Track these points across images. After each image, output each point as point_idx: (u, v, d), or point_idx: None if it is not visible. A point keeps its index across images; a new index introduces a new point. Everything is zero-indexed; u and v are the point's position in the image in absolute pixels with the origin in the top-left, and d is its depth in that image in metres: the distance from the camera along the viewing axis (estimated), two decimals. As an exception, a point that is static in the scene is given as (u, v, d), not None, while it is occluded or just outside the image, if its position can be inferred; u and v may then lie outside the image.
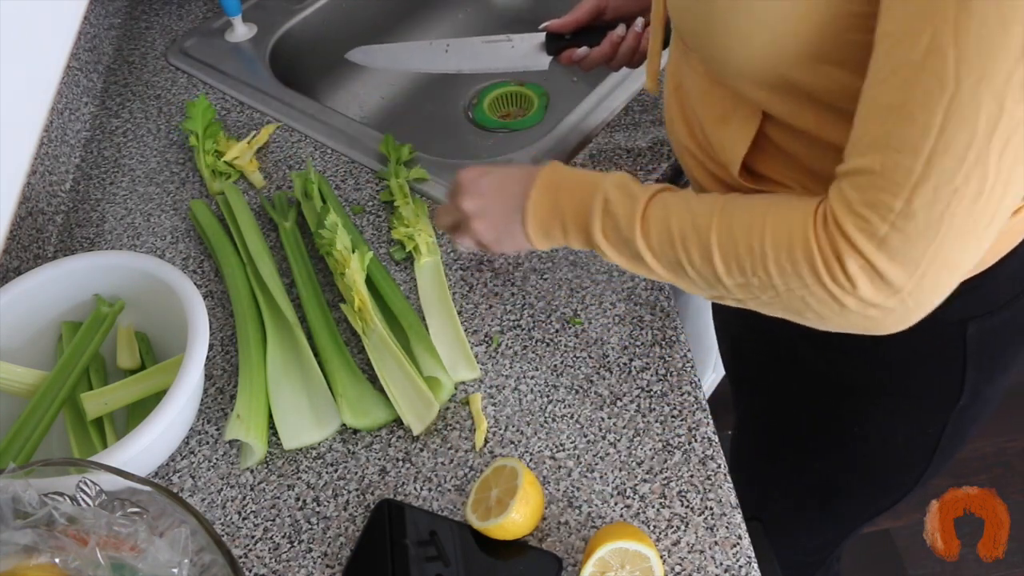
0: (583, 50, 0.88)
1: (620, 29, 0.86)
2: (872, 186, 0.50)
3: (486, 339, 0.82)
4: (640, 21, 0.86)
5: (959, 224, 0.49)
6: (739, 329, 0.93)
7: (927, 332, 0.72)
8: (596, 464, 0.72)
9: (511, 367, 0.79)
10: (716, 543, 0.67)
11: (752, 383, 0.97)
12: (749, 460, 1.00)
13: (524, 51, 0.90)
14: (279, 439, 0.75)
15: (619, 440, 0.73)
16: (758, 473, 0.98)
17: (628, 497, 0.70)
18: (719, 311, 0.98)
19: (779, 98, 0.59)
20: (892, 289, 0.52)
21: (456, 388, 0.78)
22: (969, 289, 0.67)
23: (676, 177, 0.96)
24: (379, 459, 0.74)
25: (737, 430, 1.03)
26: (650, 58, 0.78)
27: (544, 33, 0.90)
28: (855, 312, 0.54)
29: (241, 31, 1.19)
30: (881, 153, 0.49)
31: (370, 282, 0.84)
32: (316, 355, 0.79)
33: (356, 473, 0.73)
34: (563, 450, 0.73)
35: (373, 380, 0.78)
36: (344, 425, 0.76)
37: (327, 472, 0.74)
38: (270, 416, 0.76)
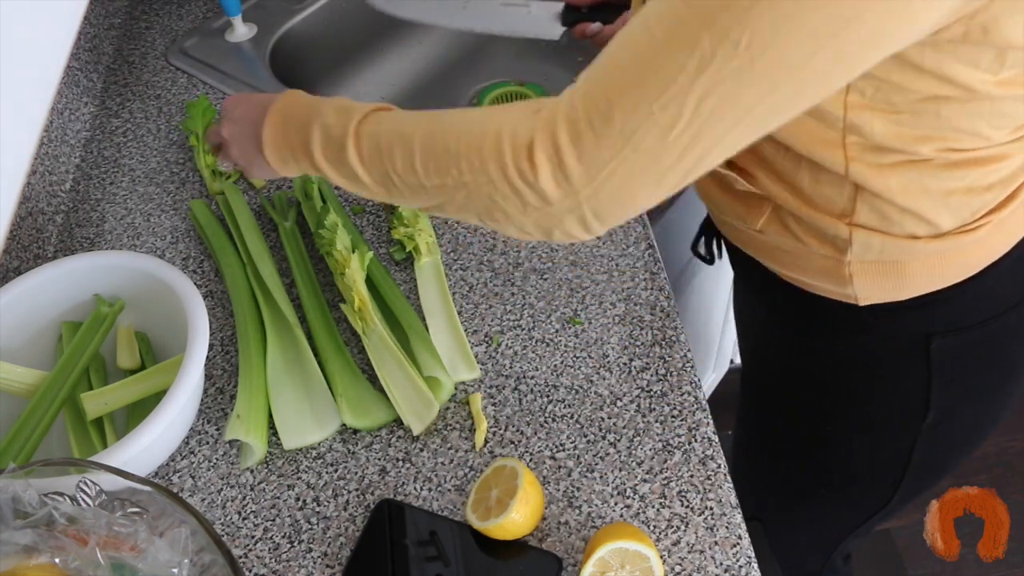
0: (596, 25, 0.88)
1: None
2: (592, 80, 0.50)
3: (486, 339, 0.82)
4: None
5: (645, 148, 0.49)
6: (746, 324, 0.94)
7: (890, 340, 0.72)
8: (596, 464, 0.72)
9: (511, 367, 0.79)
10: (716, 543, 0.67)
11: (747, 383, 0.97)
12: (738, 455, 1.01)
13: (539, 18, 0.90)
14: (279, 439, 0.75)
15: (619, 440, 0.73)
16: (744, 469, 0.99)
17: (628, 497, 0.70)
18: (737, 302, 0.98)
19: None
20: (571, 187, 0.51)
21: (456, 388, 0.78)
22: (933, 302, 0.68)
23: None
24: (379, 459, 0.74)
25: (734, 432, 1.03)
26: None
27: (562, 4, 0.90)
28: (536, 209, 0.53)
29: (241, 31, 1.19)
30: (613, 55, 0.50)
31: (370, 282, 0.84)
32: (316, 355, 0.79)
33: (356, 473, 0.73)
34: (563, 450, 0.73)
35: (373, 380, 0.78)
36: (344, 425, 0.76)
37: (327, 472, 0.74)
38: (270, 416, 0.76)
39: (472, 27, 0.95)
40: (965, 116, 0.56)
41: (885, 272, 0.67)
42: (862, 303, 0.69)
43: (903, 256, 0.65)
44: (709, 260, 0.93)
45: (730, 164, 0.69)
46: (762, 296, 0.83)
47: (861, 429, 0.80)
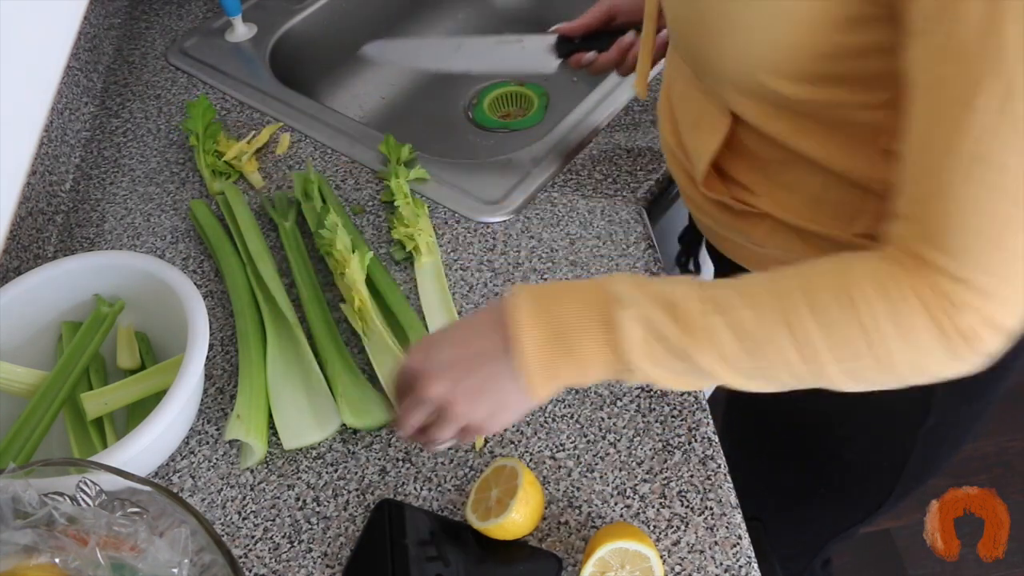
0: (592, 54, 0.89)
1: (629, 35, 0.87)
2: (959, 250, 0.47)
3: (486, 339, 0.82)
4: None
5: None
6: None
7: None
8: (596, 464, 0.72)
9: (511, 367, 0.79)
10: (716, 543, 0.67)
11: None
12: (735, 457, 1.01)
13: (534, 52, 0.91)
14: (279, 439, 0.75)
15: (619, 440, 0.73)
16: (742, 470, 0.98)
17: (628, 497, 0.70)
18: None
19: (754, 104, 0.60)
20: (1009, 335, 0.49)
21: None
22: None
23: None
24: (379, 459, 0.74)
25: (722, 429, 1.03)
26: (640, 61, 0.79)
27: (555, 36, 0.90)
28: (973, 364, 0.51)
29: (241, 31, 1.19)
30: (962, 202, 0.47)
31: (370, 282, 0.84)
32: (316, 355, 0.79)
33: (356, 473, 0.73)
34: (563, 450, 0.73)
35: (373, 380, 0.78)
36: (344, 425, 0.76)
37: (327, 472, 0.73)
38: (270, 416, 0.76)
39: (469, 69, 0.95)
40: None
41: None
42: None
43: None
44: (696, 272, 0.93)
45: (727, 179, 0.69)
46: None
47: (861, 432, 0.80)
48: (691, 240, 0.91)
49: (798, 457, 0.88)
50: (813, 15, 0.51)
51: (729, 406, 1.01)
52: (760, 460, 0.94)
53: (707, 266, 0.89)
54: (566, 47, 0.90)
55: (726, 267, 0.80)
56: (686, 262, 0.92)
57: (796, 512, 0.96)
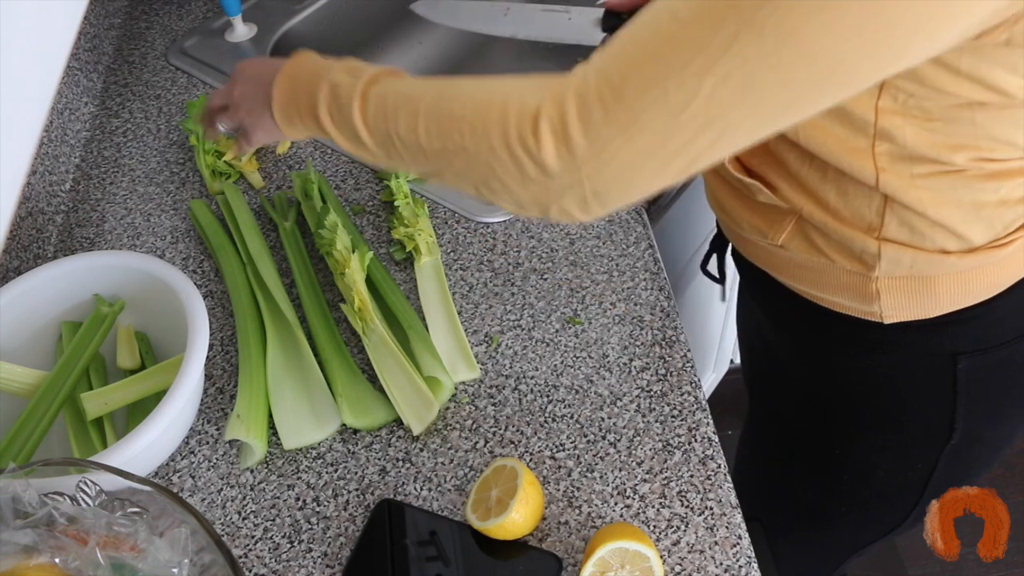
0: None
1: None
2: (608, 55, 0.48)
3: (486, 339, 0.82)
4: None
5: (653, 128, 0.46)
6: (750, 336, 0.93)
7: (915, 360, 0.70)
8: (596, 464, 0.72)
9: (511, 367, 0.79)
10: (716, 543, 0.67)
11: (755, 392, 0.96)
12: (748, 469, 1.00)
13: (580, 25, 0.89)
14: (279, 439, 0.75)
15: (619, 440, 0.73)
16: (755, 484, 0.98)
17: (628, 497, 0.70)
18: (741, 313, 0.97)
19: None
20: (573, 162, 0.49)
21: (456, 388, 0.78)
22: (961, 320, 0.66)
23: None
24: (379, 459, 0.74)
25: (741, 437, 1.02)
26: None
27: (602, 10, 0.89)
28: (535, 183, 0.51)
29: (241, 31, 1.19)
30: (633, 33, 0.48)
31: (370, 282, 0.84)
32: (316, 355, 0.79)
33: (356, 473, 0.73)
34: (563, 450, 0.73)
35: (373, 380, 0.78)
36: (344, 425, 0.76)
37: (327, 472, 0.73)
38: (270, 416, 0.76)
39: (515, 33, 0.94)
40: (1001, 124, 0.54)
41: (913, 289, 0.65)
42: (887, 321, 0.67)
43: (932, 272, 0.63)
44: (720, 280, 0.92)
45: (752, 173, 0.67)
46: (776, 316, 0.81)
47: (883, 450, 0.78)
48: (719, 246, 0.90)
49: (822, 476, 0.86)
50: None
51: (753, 424, 0.99)
52: (784, 479, 0.93)
53: (731, 272, 0.89)
54: (612, 21, 0.88)
55: (750, 273, 0.79)
56: (719, 269, 0.90)
57: (817, 530, 0.95)
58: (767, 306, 0.82)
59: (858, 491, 0.84)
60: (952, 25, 0.44)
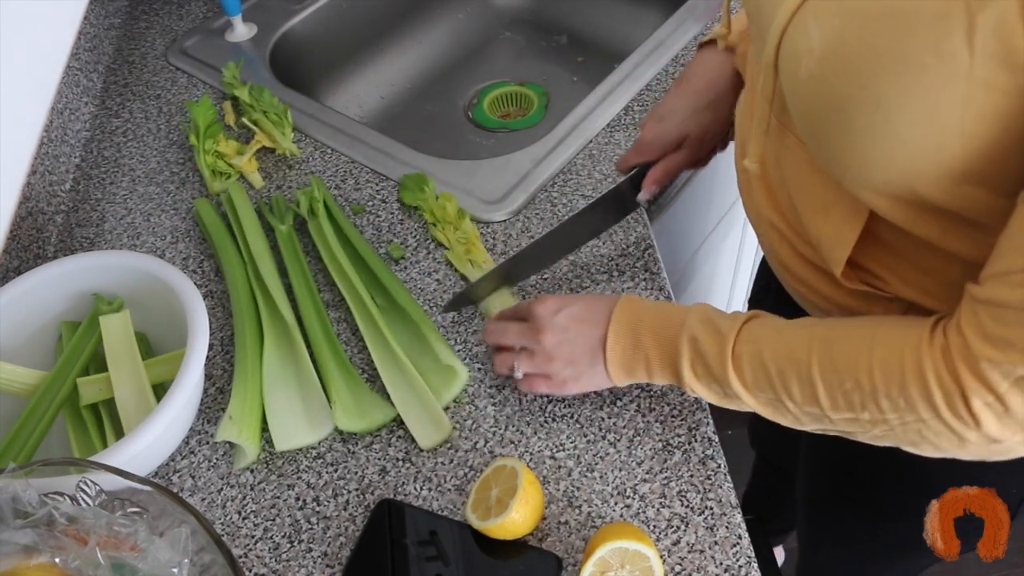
0: (654, 188, 0.84)
1: (683, 176, 0.83)
2: (1019, 323, 0.47)
3: (486, 339, 0.82)
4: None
5: None
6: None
7: None
8: (596, 464, 0.72)
9: (511, 367, 0.79)
10: (716, 543, 0.67)
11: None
12: (812, 514, 0.99)
13: (625, 194, 0.86)
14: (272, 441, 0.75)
15: (619, 440, 0.73)
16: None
17: (628, 497, 0.70)
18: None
19: (902, 208, 0.54)
20: (1019, 425, 0.49)
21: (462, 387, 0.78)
22: None
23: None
24: (379, 459, 0.74)
25: (806, 484, 0.99)
26: (754, 139, 0.64)
27: (627, 176, 0.84)
28: (975, 444, 0.52)
29: (241, 31, 1.19)
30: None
31: (375, 280, 0.84)
32: (312, 358, 0.79)
33: (356, 473, 0.73)
34: (563, 450, 0.73)
35: (372, 380, 0.78)
36: (337, 428, 0.76)
37: (327, 472, 0.74)
38: (264, 417, 0.76)
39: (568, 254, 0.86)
40: None
41: None
42: None
43: None
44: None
45: (860, 270, 0.63)
46: None
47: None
48: (768, 282, 0.88)
49: (884, 517, 0.86)
50: (996, 108, 0.44)
51: (812, 463, 0.96)
52: (845, 523, 0.92)
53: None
54: (637, 176, 0.84)
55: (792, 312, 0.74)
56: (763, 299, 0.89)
57: (870, 569, 0.95)
58: None
59: (911, 541, 0.83)
60: None
